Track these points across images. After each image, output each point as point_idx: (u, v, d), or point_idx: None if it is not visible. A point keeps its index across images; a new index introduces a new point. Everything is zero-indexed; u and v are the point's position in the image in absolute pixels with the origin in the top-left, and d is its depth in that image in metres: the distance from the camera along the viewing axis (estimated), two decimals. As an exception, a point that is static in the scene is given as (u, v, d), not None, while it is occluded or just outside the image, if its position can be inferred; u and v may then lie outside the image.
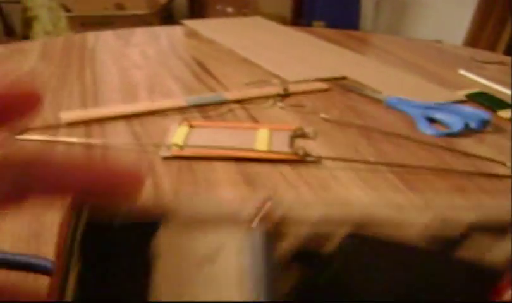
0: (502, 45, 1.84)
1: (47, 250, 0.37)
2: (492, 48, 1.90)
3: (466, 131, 0.61)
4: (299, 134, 0.57)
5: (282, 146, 0.53)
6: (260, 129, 0.57)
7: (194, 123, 0.59)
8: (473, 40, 2.00)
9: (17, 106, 0.18)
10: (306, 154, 0.51)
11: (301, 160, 0.51)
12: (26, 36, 3.06)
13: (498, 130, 0.63)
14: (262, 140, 0.54)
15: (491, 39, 1.93)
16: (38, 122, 0.60)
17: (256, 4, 2.90)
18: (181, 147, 0.52)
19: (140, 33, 1.17)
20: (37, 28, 3.10)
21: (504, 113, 0.68)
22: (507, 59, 1.03)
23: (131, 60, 0.92)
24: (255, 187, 0.46)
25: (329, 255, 0.19)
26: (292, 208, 0.20)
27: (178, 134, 0.55)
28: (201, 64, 0.89)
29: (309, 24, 2.87)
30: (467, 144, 0.58)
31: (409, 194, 0.46)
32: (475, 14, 2.10)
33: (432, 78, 0.85)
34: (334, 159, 0.52)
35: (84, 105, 0.67)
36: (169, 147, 0.52)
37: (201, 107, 0.66)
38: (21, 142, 0.55)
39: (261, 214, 0.20)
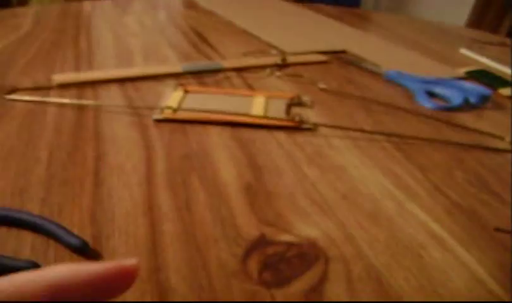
0: (504, 29, 1.83)
1: (31, 206, 0.36)
2: (494, 32, 1.87)
3: (466, 106, 0.60)
4: (296, 103, 0.56)
5: (278, 112, 0.52)
6: (256, 96, 0.56)
7: (189, 88, 0.58)
8: (475, 23, 1.98)
9: (116, 285, 0.19)
10: (303, 121, 0.50)
11: (297, 126, 0.50)
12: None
13: (498, 106, 0.62)
14: (258, 106, 0.53)
15: (493, 24, 1.91)
16: (28, 83, 0.59)
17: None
18: (174, 110, 0.51)
19: (138, 3, 1.15)
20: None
21: (505, 91, 0.67)
22: (509, 40, 1.02)
23: (127, 28, 0.90)
24: (249, 154, 0.45)
25: None
26: None
27: (172, 98, 0.54)
28: (199, 34, 0.88)
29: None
30: (466, 118, 0.57)
31: (407, 164, 0.45)
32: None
33: (432, 55, 0.83)
34: (330, 126, 0.51)
35: (77, 69, 0.66)
36: (162, 110, 0.51)
37: (197, 74, 0.65)
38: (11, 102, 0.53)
39: None
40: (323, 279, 0.30)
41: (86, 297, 0.18)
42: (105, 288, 0.18)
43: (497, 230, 0.37)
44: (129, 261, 0.19)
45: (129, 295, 0.28)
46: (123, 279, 0.19)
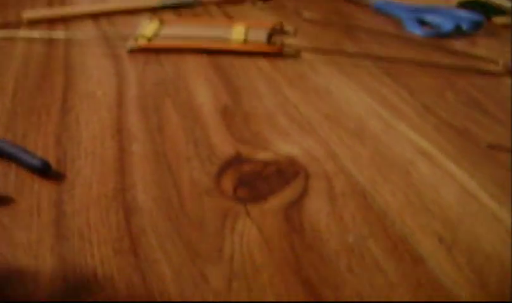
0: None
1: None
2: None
3: (458, 33, 0.57)
4: (278, 31, 0.53)
5: (259, 40, 0.49)
6: (236, 25, 0.53)
7: (165, 18, 0.54)
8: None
9: None
10: (284, 46, 0.47)
11: (278, 52, 0.47)
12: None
13: (491, 34, 0.59)
14: (237, 34, 0.50)
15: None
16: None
17: None
18: (149, 39, 0.48)
19: None
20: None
21: (499, 20, 0.64)
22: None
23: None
24: (228, 79, 0.42)
25: None
26: None
27: (148, 29, 0.51)
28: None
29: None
30: (458, 44, 0.54)
31: (395, 86, 0.43)
32: None
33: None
34: (314, 50, 0.48)
35: (50, 6, 0.63)
36: (136, 39, 0.48)
37: (175, 8, 0.61)
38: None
39: None
40: (303, 194, 0.28)
41: None
42: None
43: (490, 146, 0.34)
44: None
45: (92, 213, 0.26)
46: None
